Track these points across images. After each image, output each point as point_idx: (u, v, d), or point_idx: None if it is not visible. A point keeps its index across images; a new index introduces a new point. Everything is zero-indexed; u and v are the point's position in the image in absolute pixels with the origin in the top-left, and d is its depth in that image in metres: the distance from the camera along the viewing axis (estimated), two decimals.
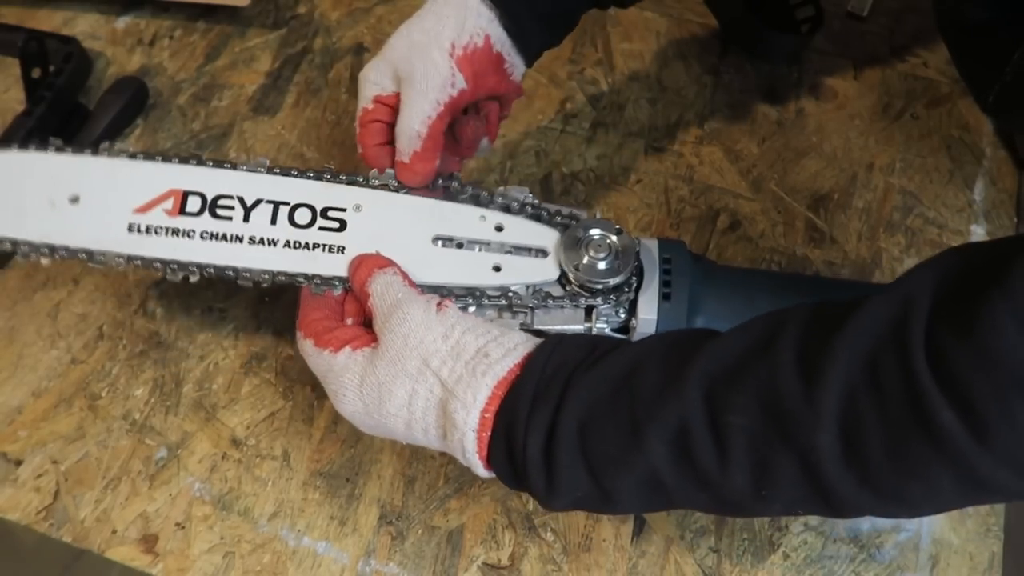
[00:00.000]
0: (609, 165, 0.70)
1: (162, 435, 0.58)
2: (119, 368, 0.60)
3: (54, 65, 0.70)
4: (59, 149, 0.52)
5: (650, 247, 0.54)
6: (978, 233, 0.66)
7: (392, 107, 0.52)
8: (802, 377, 0.36)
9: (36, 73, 0.70)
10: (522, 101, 0.72)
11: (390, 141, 0.53)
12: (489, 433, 0.42)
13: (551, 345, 0.44)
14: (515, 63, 0.55)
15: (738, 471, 0.38)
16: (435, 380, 0.43)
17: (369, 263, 0.49)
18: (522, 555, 0.54)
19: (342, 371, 0.46)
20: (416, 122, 0.50)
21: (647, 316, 0.52)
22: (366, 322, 0.49)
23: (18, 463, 0.57)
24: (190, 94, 0.74)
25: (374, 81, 0.53)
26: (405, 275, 0.49)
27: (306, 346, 0.48)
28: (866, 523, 0.54)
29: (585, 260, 0.52)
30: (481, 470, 0.44)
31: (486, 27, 0.52)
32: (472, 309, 0.52)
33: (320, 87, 0.74)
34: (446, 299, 0.47)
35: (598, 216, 0.54)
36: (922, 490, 0.36)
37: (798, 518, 0.54)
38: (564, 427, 0.40)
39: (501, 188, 0.56)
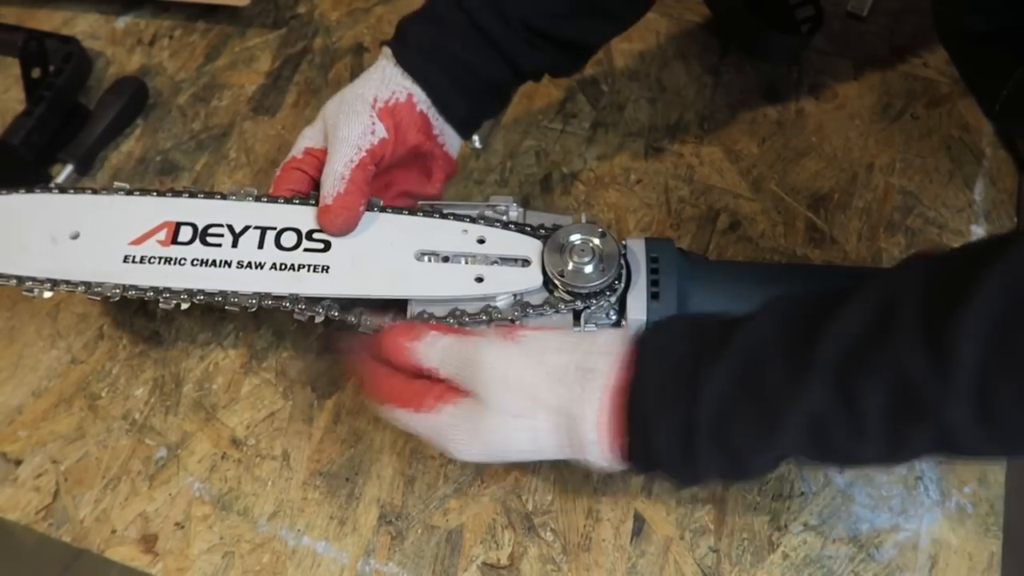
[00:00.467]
0: (609, 165, 0.70)
1: (162, 435, 0.58)
2: (119, 368, 0.60)
3: (54, 65, 0.70)
4: (62, 190, 0.56)
5: (636, 247, 0.55)
6: (978, 233, 0.66)
7: (319, 160, 0.54)
8: (932, 358, 0.37)
9: (36, 73, 0.70)
10: (522, 101, 0.73)
11: (306, 191, 0.55)
12: (624, 440, 0.44)
13: (657, 339, 0.45)
14: (444, 129, 0.57)
15: (873, 445, 0.40)
16: (550, 410, 0.45)
17: (398, 342, 0.48)
18: (522, 555, 0.54)
19: (451, 430, 0.46)
20: (339, 165, 0.52)
21: (637, 316, 0.52)
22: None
23: (18, 463, 0.57)
24: (190, 94, 0.74)
25: (309, 137, 0.56)
26: (438, 325, 0.49)
27: (398, 414, 0.48)
28: (865, 523, 0.54)
29: (570, 266, 0.52)
30: (617, 468, 0.46)
31: (409, 87, 0.55)
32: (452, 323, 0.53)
33: (320, 87, 0.74)
34: (513, 327, 0.49)
35: (584, 220, 0.55)
36: None
37: (797, 518, 0.54)
38: (700, 423, 0.42)
39: (485, 201, 0.57)
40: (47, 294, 0.52)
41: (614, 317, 0.53)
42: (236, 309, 0.52)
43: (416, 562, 0.53)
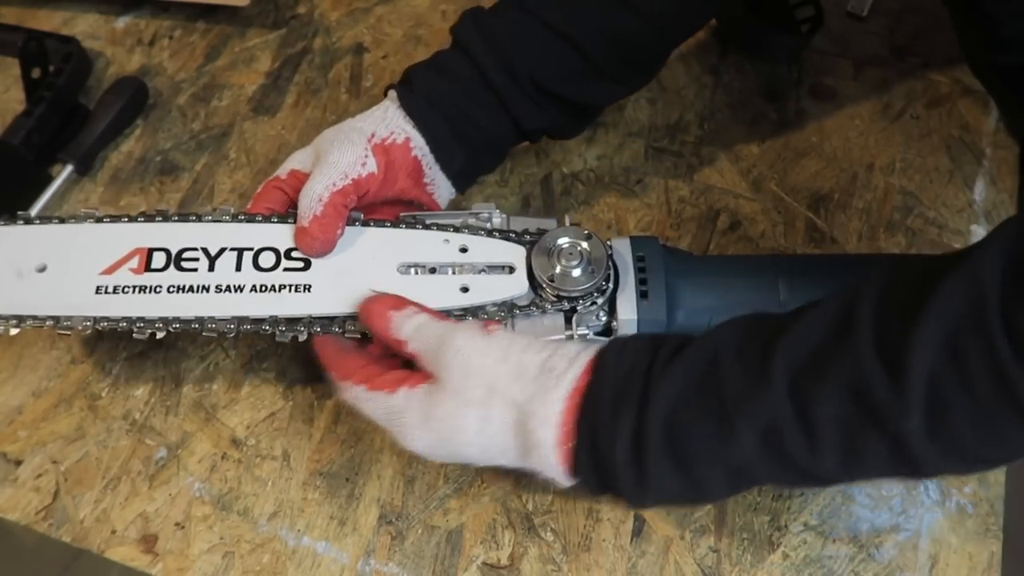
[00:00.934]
0: (609, 165, 0.70)
1: (162, 435, 0.58)
2: (119, 368, 0.60)
3: (54, 65, 0.70)
4: (27, 221, 0.53)
5: (622, 247, 0.55)
6: (978, 233, 0.66)
7: (303, 182, 0.53)
8: (885, 367, 0.37)
9: (36, 73, 0.70)
10: None
11: (283, 211, 0.54)
12: (573, 444, 0.43)
13: (615, 349, 0.45)
14: (436, 178, 0.57)
15: (828, 456, 0.39)
16: (505, 403, 0.44)
17: (380, 308, 0.49)
18: (522, 555, 0.54)
19: (403, 411, 0.46)
20: (320, 186, 0.51)
21: (627, 316, 0.53)
22: (404, 363, 0.49)
23: (18, 463, 0.57)
24: (190, 94, 0.74)
25: (298, 160, 0.55)
26: (420, 304, 0.50)
27: (358, 392, 0.48)
28: (865, 523, 0.54)
29: (558, 270, 0.52)
30: (565, 481, 0.45)
31: (409, 131, 0.55)
32: None
33: (320, 87, 0.74)
34: (490, 322, 0.49)
35: (568, 223, 0.55)
36: (1007, 453, 0.39)
37: (797, 518, 0.54)
38: (651, 428, 0.41)
39: (467, 210, 0.57)
40: (13, 331, 0.50)
41: (604, 318, 0.53)
42: (215, 335, 0.51)
43: (416, 562, 0.53)
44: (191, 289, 0.51)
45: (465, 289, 0.53)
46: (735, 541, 0.54)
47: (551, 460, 0.43)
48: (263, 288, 0.51)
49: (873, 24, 0.78)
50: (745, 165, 0.70)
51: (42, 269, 0.52)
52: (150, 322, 0.51)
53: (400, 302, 0.49)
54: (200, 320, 0.51)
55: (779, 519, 0.55)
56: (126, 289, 0.51)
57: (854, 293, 0.40)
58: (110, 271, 0.52)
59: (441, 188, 0.58)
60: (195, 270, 0.52)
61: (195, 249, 0.52)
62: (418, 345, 0.47)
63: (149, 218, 0.54)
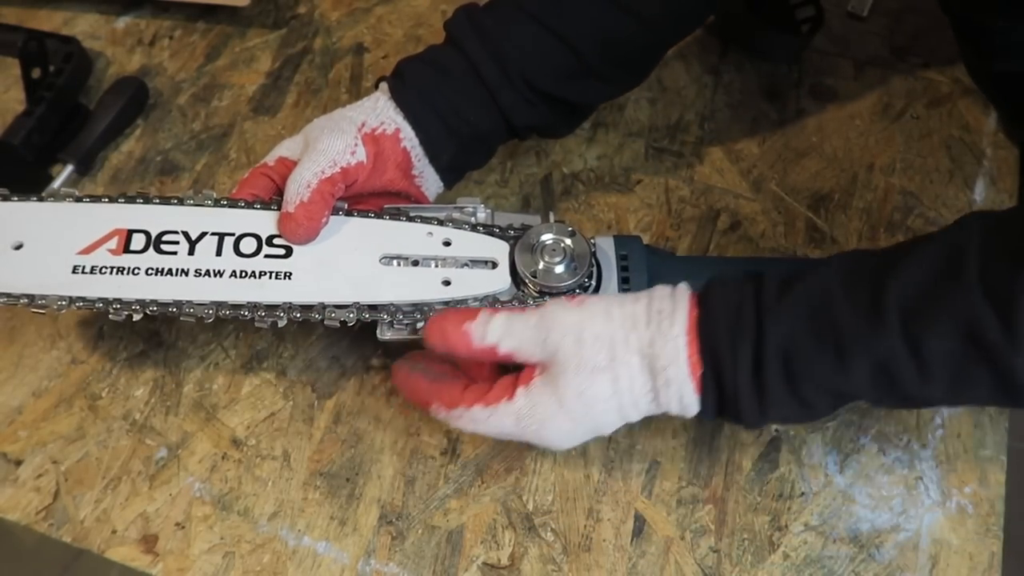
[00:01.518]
0: (609, 165, 0.70)
1: (162, 435, 0.58)
2: (119, 368, 0.60)
3: (54, 65, 0.70)
4: (4, 198, 0.53)
5: (606, 245, 0.55)
6: None
7: (290, 169, 0.53)
8: (996, 310, 0.40)
9: (36, 73, 0.70)
10: None
11: (268, 198, 0.54)
12: (700, 372, 0.45)
13: (716, 286, 0.47)
14: (424, 171, 0.57)
15: (938, 387, 0.43)
16: (629, 354, 0.46)
17: (453, 327, 0.48)
18: (522, 555, 0.54)
19: (532, 409, 0.47)
20: (308, 173, 0.52)
21: None
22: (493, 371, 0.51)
23: (18, 463, 0.57)
24: (190, 94, 0.74)
25: (286, 148, 0.56)
26: (492, 305, 0.51)
27: (475, 413, 0.48)
28: (866, 523, 0.54)
29: (541, 266, 0.53)
30: (692, 411, 0.47)
31: (399, 123, 0.55)
32: (420, 325, 0.52)
33: (320, 87, 0.74)
34: (571, 296, 0.50)
35: (552, 220, 0.55)
36: None
37: (798, 518, 0.54)
38: (770, 359, 0.44)
39: (452, 203, 0.57)
40: None
41: None
42: (192, 320, 0.51)
43: (416, 562, 0.53)
44: (170, 272, 0.51)
45: (447, 283, 0.53)
46: (735, 541, 0.54)
47: (687, 390, 0.45)
48: (243, 274, 0.51)
49: (873, 24, 0.78)
50: (745, 165, 0.70)
51: (18, 247, 0.51)
52: (126, 304, 0.50)
53: (466, 313, 0.49)
54: (178, 304, 0.50)
55: (780, 519, 0.55)
56: (103, 270, 0.51)
57: (960, 235, 0.43)
58: (88, 251, 0.51)
59: (429, 181, 0.58)
60: (175, 253, 0.51)
61: (175, 232, 0.52)
62: (512, 343, 0.47)
63: (130, 199, 0.53)
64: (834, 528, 0.54)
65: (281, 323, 0.51)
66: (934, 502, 0.55)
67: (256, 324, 0.51)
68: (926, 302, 0.42)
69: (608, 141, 0.71)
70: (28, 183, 0.67)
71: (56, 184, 0.68)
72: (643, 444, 0.57)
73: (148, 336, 0.62)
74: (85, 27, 0.78)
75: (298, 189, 0.51)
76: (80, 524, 0.55)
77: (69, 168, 0.68)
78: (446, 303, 0.53)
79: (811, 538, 0.54)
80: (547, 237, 0.54)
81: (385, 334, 0.53)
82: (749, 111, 0.73)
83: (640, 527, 0.54)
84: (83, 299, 0.50)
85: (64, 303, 0.50)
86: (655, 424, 0.57)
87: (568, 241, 0.54)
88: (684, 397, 0.46)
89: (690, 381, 0.45)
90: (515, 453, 0.57)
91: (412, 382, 0.51)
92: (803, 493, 0.55)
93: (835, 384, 0.44)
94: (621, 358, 0.46)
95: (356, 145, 0.53)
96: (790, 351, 0.44)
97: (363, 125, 0.54)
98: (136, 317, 0.50)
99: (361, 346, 0.61)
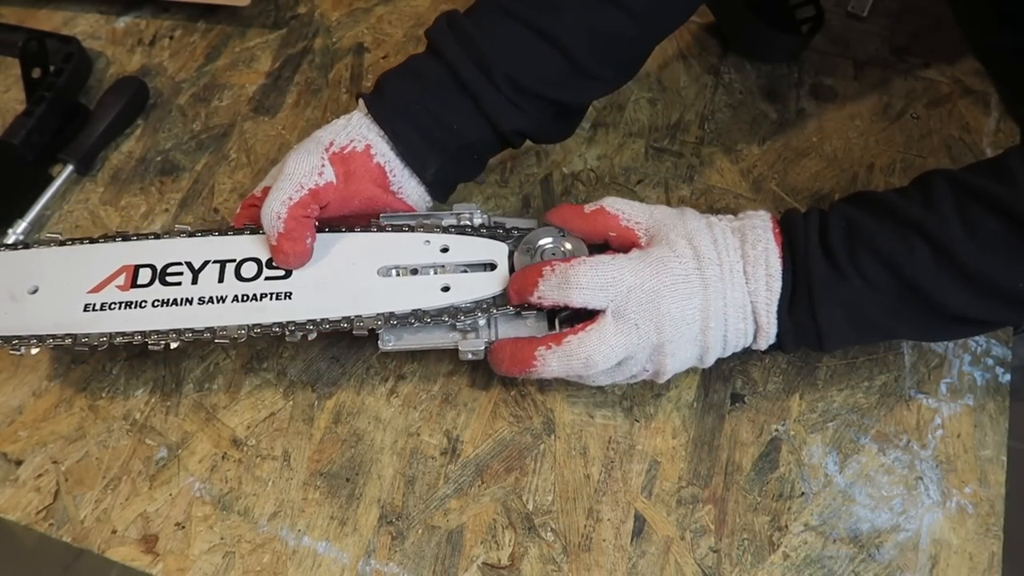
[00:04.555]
0: (609, 165, 0.70)
1: (162, 435, 0.58)
2: (119, 368, 0.60)
3: (54, 65, 0.70)
4: (25, 246, 0.56)
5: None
6: None
7: None
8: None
9: (36, 73, 0.70)
10: None
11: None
12: (781, 241, 0.51)
13: (784, 214, 0.53)
14: (404, 185, 0.57)
15: (997, 259, 0.47)
16: (716, 235, 0.51)
17: (531, 280, 0.52)
18: (522, 555, 0.54)
19: (617, 331, 0.50)
20: (276, 203, 0.52)
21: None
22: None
23: (18, 463, 0.57)
24: (190, 94, 0.74)
25: (270, 175, 0.57)
26: (551, 261, 0.53)
27: (570, 345, 0.51)
28: (866, 523, 0.54)
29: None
30: (778, 282, 0.50)
31: (371, 139, 0.55)
32: (419, 330, 0.54)
33: (320, 87, 0.74)
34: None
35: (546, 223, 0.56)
36: None
37: (798, 518, 0.54)
38: (833, 226, 0.50)
39: (448, 210, 0.58)
40: (12, 352, 0.52)
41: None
42: (190, 342, 0.53)
43: (417, 562, 0.53)
44: (175, 302, 0.53)
45: (446, 288, 0.53)
46: (735, 541, 0.54)
47: (771, 248, 0.51)
48: (245, 298, 0.53)
49: (873, 24, 0.78)
50: (745, 165, 0.70)
51: (34, 291, 0.54)
52: (130, 335, 0.52)
53: (536, 269, 0.52)
54: (178, 332, 0.52)
55: (780, 519, 0.55)
56: (112, 306, 0.53)
57: (1013, 154, 0.49)
58: (97, 289, 0.53)
59: (412, 195, 0.58)
60: (179, 284, 0.53)
61: (179, 263, 0.54)
62: (598, 273, 0.51)
63: (142, 237, 0.55)
64: (834, 528, 0.54)
65: (290, 337, 0.53)
66: (934, 502, 0.55)
67: (258, 342, 0.53)
68: (975, 193, 0.48)
69: (608, 141, 0.71)
70: (28, 183, 0.67)
71: (56, 184, 0.68)
72: (643, 444, 0.57)
73: None
74: (85, 27, 0.78)
75: (272, 222, 0.52)
76: (80, 524, 0.55)
77: (69, 168, 0.68)
78: (444, 309, 0.53)
79: (811, 538, 0.54)
80: (545, 241, 0.55)
81: (387, 345, 0.54)
82: (749, 111, 0.73)
83: (640, 527, 0.54)
84: (90, 336, 0.52)
85: (71, 341, 0.52)
86: (655, 424, 0.58)
87: (568, 245, 0.54)
88: (769, 258, 0.50)
89: (775, 244, 0.51)
90: (515, 453, 0.57)
91: (510, 343, 0.53)
92: (803, 493, 0.55)
93: (896, 258, 0.48)
94: (705, 249, 0.51)
95: (323, 166, 0.53)
96: (852, 221, 0.50)
97: (331, 145, 0.54)
98: (153, 347, 0.52)
99: (361, 346, 0.61)
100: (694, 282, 0.50)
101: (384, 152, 0.55)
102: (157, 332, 0.52)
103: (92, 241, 0.55)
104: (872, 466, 0.56)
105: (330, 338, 0.61)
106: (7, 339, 0.52)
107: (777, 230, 0.52)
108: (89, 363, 0.61)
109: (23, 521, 0.55)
